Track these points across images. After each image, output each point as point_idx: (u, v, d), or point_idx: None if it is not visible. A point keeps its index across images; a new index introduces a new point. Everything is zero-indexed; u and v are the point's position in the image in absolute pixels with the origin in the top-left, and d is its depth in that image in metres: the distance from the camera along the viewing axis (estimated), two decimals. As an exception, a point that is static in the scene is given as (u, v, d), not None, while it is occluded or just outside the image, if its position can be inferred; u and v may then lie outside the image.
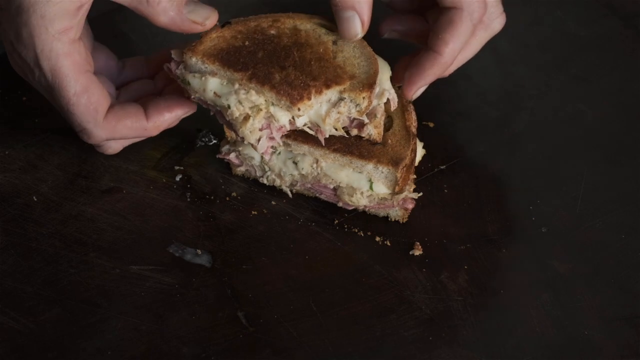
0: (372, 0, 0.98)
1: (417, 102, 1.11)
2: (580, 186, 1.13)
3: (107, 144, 1.06)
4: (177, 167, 1.14)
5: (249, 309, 1.00)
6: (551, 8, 1.37)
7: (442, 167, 1.15)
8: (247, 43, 0.99)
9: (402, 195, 1.06)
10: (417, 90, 1.02)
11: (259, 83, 0.97)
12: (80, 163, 1.13)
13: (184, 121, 1.17)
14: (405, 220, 1.09)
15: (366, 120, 0.99)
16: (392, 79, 1.03)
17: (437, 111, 1.21)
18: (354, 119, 1.00)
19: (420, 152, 1.13)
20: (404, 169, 1.04)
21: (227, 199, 1.11)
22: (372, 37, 1.03)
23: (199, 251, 1.05)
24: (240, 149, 1.10)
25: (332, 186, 1.08)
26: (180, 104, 1.03)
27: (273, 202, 1.11)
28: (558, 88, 1.26)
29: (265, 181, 1.12)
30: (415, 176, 1.11)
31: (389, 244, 1.07)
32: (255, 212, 1.10)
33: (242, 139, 0.99)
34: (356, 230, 1.08)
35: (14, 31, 0.96)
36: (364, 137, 1.02)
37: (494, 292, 1.02)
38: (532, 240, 1.07)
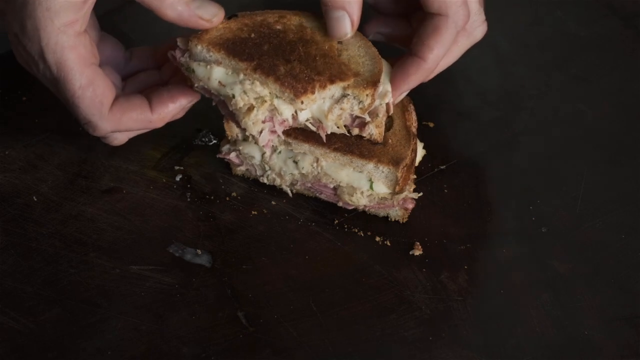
0: (362, 0, 0.98)
1: (417, 102, 1.11)
2: (580, 186, 1.13)
3: (113, 136, 1.05)
4: (177, 167, 1.14)
5: (249, 309, 1.00)
6: (551, 8, 1.37)
7: (442, 167, 1.15)
8: (252, 35, 1.00)
9: (402, 195, 1.06)
10: (401, 95, 1.03)
11: (264, 74, 0.97)
12: (80, 163, 1.14)
13: (184, 121, 1.17)
14: (405, 220, 1.09)
15: (368, 119, 1.00)
16: None
17: (437, 111, 1.21)
18: (356, 117, 1.00)
19: (420, 152, 1.13)
20: (405, 168, 1.05)
21: (227, 199, 1.11)
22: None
23: (199, 251, 1.05)
24: (240, 148, 1.10)
25: (332, 185, 1.09)
26: (183, 93, 1.03)
27: (273, 202, 1.11)
28: (558, 88, 1.26)
29: (265, 180, 1.12)
30: (415, 176, 1.11)
31: (389, 244, 1.07)
32: (255, 212, 1.10)
33: (244, 130, 0.98)
34: (356, 230, 1.08)
35: (18, 23, 0.95)
36: (365, 137, 1.02)
37: (494, 292, 1.02)
38: (532, 240, 1.07)
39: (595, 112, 1.22)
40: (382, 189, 1.06)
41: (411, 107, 1.10)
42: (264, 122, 0.98)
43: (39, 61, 0.96)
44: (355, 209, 1.10)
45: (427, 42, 1.00)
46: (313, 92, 0.96)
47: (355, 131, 1.01)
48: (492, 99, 1.24)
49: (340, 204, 1.09)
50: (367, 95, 0.97)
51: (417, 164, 1.12)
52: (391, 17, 1.07)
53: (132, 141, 1.15)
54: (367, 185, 1.06)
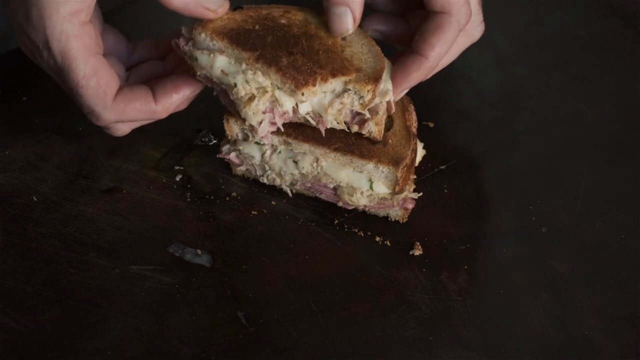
0: None
1: (417, 102, 1.11)
2: (580, 186, 1.13)
3: (116, 126, 1.05)
4: (177, 167, 1.14)
5: (249, 309, 1.00)
6: (551, 8, 1.37)
7: (442, 167, 1.15)
8: (257, 27, 1.00)
9: (402, 195, 1.06)
10: (401, 92, 1.03)
11: (266, 64, 0.97)
12: (80, 163, 1.14)
13: (184, 121, 1.17)
14: (405, 220, 1.09)
15: (368, 116, 1.00)
16: None
17: (437, 111, 1.21)
18: (356, 113, 1.00)
19: (420, 152, 1.13)
20: (405, 168, 1.05)
21: (227, 199, 1.11)
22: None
23: (199, 251, 1.05)
24: (240, 148, 1.10)
25: (332, 185, 1.09)
26: (186, 83, 1.02)
27: (273, 202, 1.11)
28: (558, 88, 1.26)
29: (265, 180, 1.12)
30: (415, 176, 1.11)
31: (389, 244, 1.07)
32: (255, 212, 1.10)
33: (244, 120, 0.98)
34: (356, 230, 1.08)
35: (23, 12, 0.95)
36: (364, 134, 1.02)
37: (494, 292, 1.02)
38: (532, 240, 1.07)
39: (595, 112, 1.22)
40: (382, 189, 1.06)
41: (411, 107, 1.10)
42: (264, 112, 0.98)
43: (44, 50, 0.96)
44: (355, 209, 1.10)
45: (430, 40, 1.00)
46: (314, 85, 0.97)
47: (355, 128, 1.01)
48: (492, 99, 1.24)
49: (340, 204, 1.09)
50: (368, 90, 0.97)
51: (417, 164, 1.12)
52: (388, 15, 1.08)
53: (132, 141, 1.16)
54: (367, 185, 1.06)
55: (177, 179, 1.13)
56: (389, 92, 1.01)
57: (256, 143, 1.09)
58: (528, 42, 1.32)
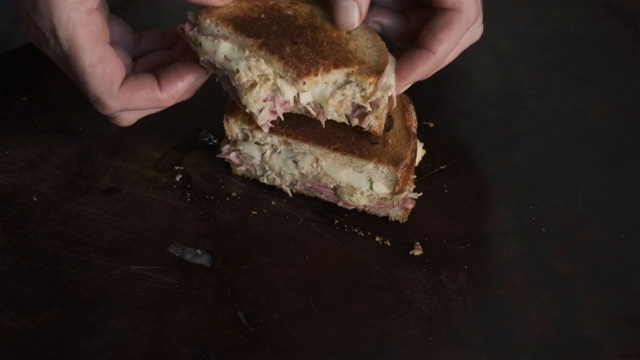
0: None
1: (417, 102, 1.11)
2: (580, 186, 1.13)
3: (121, 116, 1.04)
4: (177, 167, 1.14)
5: (249, 309, 1.00)
6: (551, 8, 1.37)
7: (442, 167, 1.15)
8: (262, 16, 1.00)
9: (402, 195, 1.06)
10: (405, 86, 1.03)
11: (269, 52, 0.97)
12: (80, 163, 1.14)
13: (184, 121, 1.17)
14: (405, 220, 1.09)
15: (369, 109, 0.99)
16: None
17: (437, 111, 1.21)
18: (357, 106, 0.99)
19: (420, 152, 1.13)
20: (405, 168, 1.04)
21: (227, 199, 1.11)
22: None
23: (199, 251, 1.05)
24: (240, 148, 1.10)
25: (332, 185, 1.09)
26: (191, 71, 1.02)
27: (273, 202, 1.11)
28: (558, 88, 1.26)
29: (265, 180, 1.12)
30: (415, 176, 1.11)
31: (389, 244, 1.07)
32: (255, 212, 1.10)
33: (245, 106, 0.98)
34: (356, 230, 1.08)
35: (30, 0, 0.95)
36: (364, 128, 1.01)
37: (494, 292, 1.02)
38: (532, 240, 1.07)
39: (595, 112, 1.22)
40: (382, 189, 1.06)
41: (411, 107, 1.10)
42: (265, 100, 0.98)
43: (50, 38, 0.96)
44: (355, 209, 1.10)
45: (439, 36, 1.00)
46: (316, 75, 0.96)
47: (355, 121, 1.01)
48: (492, 99, 1.24)
49: (340, 204, 1.09)
50: (370, 83, 0.97)
51: (417, 164, 1.12)
52: (389, 10, 1.08)
53: (132, 141, 1.16)
54: (367, 185, 1.06)
55: (177, 179, 1.13)
56: (392, 87, 1.01)
57: (256, 143, 1.09)
58: (528, 42, 1.32)
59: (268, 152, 1.09)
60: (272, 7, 1.01)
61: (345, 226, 1.08)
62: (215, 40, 0.98)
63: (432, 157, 1.15)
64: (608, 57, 1.30)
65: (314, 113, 1.00)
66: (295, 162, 1.08)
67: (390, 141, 1.06)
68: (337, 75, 0.98)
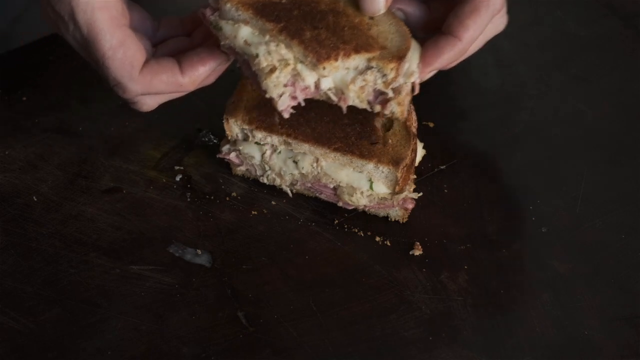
0: None
1: (417, 102, 1.11)
2: (580, 186, 1.13)
3: (142, 100, 1.03)
4: (177, 167, 1.14)
5: (249, 309, 1.00)
6: (551, 8, 1.37)
7: (442, 167, 1.15)
8: (283, 0, 0.99)
9: (402, 195, 1.06)
10: (430, 71, 1.02)
11: (289, 36, 0.95)
12: (80, 163, 1.14)
13: (184, 121, 1.17)
14: (405, 220, 1.09)
15: (390, 95, 0.97)
16: None
17: (437, 111, 1.21)
18: (379, 92, 0.98)
19: (420, 152, 1.13)
20: (405, 168, 1.05)
21: (227, 199, 1.11)
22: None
23: (199, 251, 1.05)
24: (240, 148, 1.10)
25: (332, 186, 1.09)
26: (212, 56, 1.01)
27: (273, 202, 1.11)
28: (558, 88, 1.26)
29: (265, 180, 1.12)
30: (415, 176, 1.11)
31: (389, 244, 1.07)
32: (255, 212, 1.10)
33: (265, 91, 0.97)
34: (356, 230, 1.08)
35: None
36: (386, 114, 1.00)
37: (494, 292, 1.02)
38: (532, 240, 1.07)
39: (595, 112, 1.22)
40: (382, 189, 1.06)
41: (411, 107, 1.10)
42: (285, 85, 0.96)
43: (69, 22, 0.96)
44: (355, 209, 1.10)
45: (465, 22, 1.00)
46: (336, 60, 0.95)
47: (377, 108, 0.99)
48: (492, 99, 1.24)
49: (340, 204, 1.09)
50: (391, 69, 0.95)
51: (417, 164, 1.12)
52: None
53: (132, 141, 1.16)
54: (367, 185, 1.06)
55: (177, 179, 1.13)
56: (415, 74, 0.99)
57: (256, 143, 1.09)
58: (528, 42, 1.32)
59: (268, 152, 1.09)
60: None
61: (345, 226, 1.08)
62: (236, 25, 0.97)
63: (432, 157, 1.15)
64: (608, 57, 1.30)
65: (335, 99, 0.99)
66: (295, 162, 1.08)
67: (390, 141, 1.06)
68: (358, 60, 0.96)
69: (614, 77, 1.27)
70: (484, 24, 1.01)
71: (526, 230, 1.08)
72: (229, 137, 1.10)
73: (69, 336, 0.97)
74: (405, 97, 0.99)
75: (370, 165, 1.04)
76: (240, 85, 1.11)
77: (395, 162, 1.04)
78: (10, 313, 0.99)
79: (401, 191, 1.06)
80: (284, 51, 0.95)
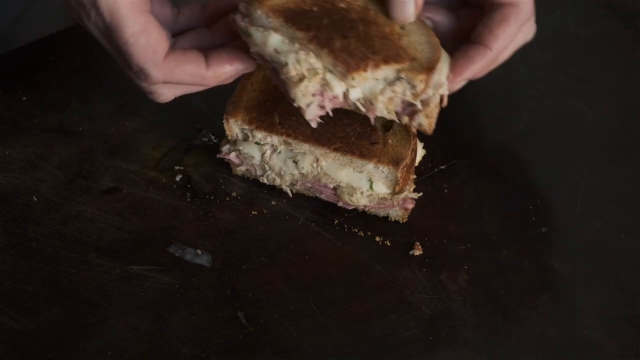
0: None
1: (417, 102, 1.11)
2: (580, 186, 1.13)
3: (160, 90, 1.02)
4: (177, 167, 1.14)
5: (249, 309, 1.00)
6: (551, 8, 1.36)
7: (442, 167, 1.15)
8: (315, 9, 0.98)
9: (402, 195, 1.06)
10: (461, 81, 1.02)
11: (319, 45, 0.94)
12: (80, 163, 1.13)
13: (184, 121, 1.17)
14: (405, 220, 1.09)
15: (419, 107, 0.97)
16: None
17: (437, 111, 1.21)
18: (408, 103, 0.97)
19: (420, 152, 1.13)
20: (405, 168, 1.05)
21: (227, 199, 1.11)
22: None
23: (199, 251, 1.05)
24: (240, 148, 1.10)
25: (332, 185, 1.09)
26: (241, 58, 1.00)
27: (273, 202, 1.11)
28: (558, 88, 1.25)
29: (265, 180, 1.12)
30: (415, 176, 1.11)
31: (389, 244, 1.07)
32: (255, 212, 1.10)
33: (293, 100, 0.97)
34: (356, 230, 1.08)
35: None
36: (413, 127, 0.99)
37: (494, 292, 1.02)
38: (532, 240, 1.07)
39: (595, 112, 1.22)
40: (382, 189, 1.06)
41: (411, 107, 1.10)
42: (313, 95, 0.96)
43: (91, 10, 0.95)
44: (355, 209, 1.10)
45: (495, 32, 1.00)
46: (365, 70, 0.94)
47: (405, 119, 0.99)
48: (492, 99, 1.24)
49: (340, 204, 1.09)
50: (420, 80, 0.95)
51: (417, 164, 1.12)
52: (440, 8, 1.07)
53: (132, 141, 1.16)
54: (367, 185, 1.06)
55: (177, 179, 1.13)
56: (444, 85, 0.98)
57: (256, 143, 1.09)
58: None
59: (268, 152, 1.09)
60: (325, 0, 0.99)
61: (345, 226, 1.08)
62: (266, 32, 0.97)
63: (432, 157, 1.15)
64: (608, 57, 1.30)
65: (363, 109, 0.98)
66: (295, 162, 1.08)
67: (390, 141, 1.06)
68: (387, 71, 0.95)
69: (614, 77, 1.27)
70: (514, 33, 1.01)
71: (526, 230, 1.08)
72: (229, 137, 1.10)
73: (69, 336, 0.97)
74: (434, 109, 0.98)
75: (370, 165, 1.04)
76: (240, 85, 1.11)
77: (395, 162, 1.04)
78: (10, 313, 0.99)
79: (401, 191, 1.06)
80: (313, 60, 0.95)
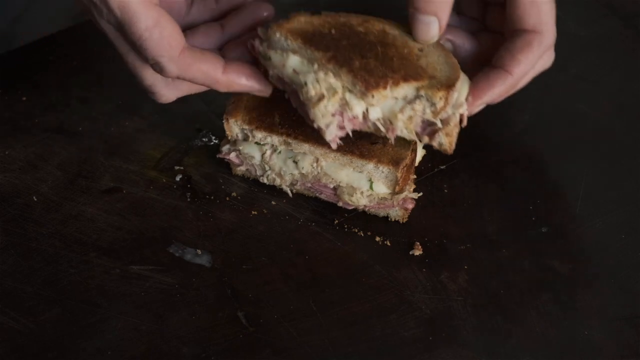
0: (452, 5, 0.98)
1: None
2: (580, 186, 1.13)
3: (163, 91, 1.02)
4: (177, 167, 1.14)
5: (249, 309, 1.00)
6: (551, 8, 1.36)
7: (442, 167, 1.15)
8: (333, 31, 0.98)
9: (402, 195, 1.07)
10: (480, 105, 1.02)
11: (338, 65, 0.95)
12: (80, 163, 1.14)
13: (184, 121, 1.17)
14: (405, 220, 1.09)
15: (439, 125, 0.97)
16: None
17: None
18: (428, 123, 0.98)
19: (420, 152, 1.13)
20: (404, 168, 1.05)
21: (227, 199, 1.11)
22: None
23: (199, 251, 1.05)
24: (240, 148, 1.10)
25: (332, 185, 1.09)
26: (260, 78, 1.01)
27: (273, 202, 1.11)
28: (558, 88, 1.26)
29: (265, 180, 1.12)
30: (415, 176, 1.11)
31: (389, 244, 1.07)
32: (255, 212, 1.10)
33: (312, 121, 0.97)
34: (356, 230, 1.08)
35: None
36: (434, 146, 0.99)
37: (494, 292, 1.02)
38: (532, 240, 1.07)
39: (595, 112, 1.22)
40: (382, 189, 1.06)
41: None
42: (333, 115, 0.96)
43: (102, 6, 0.95)
44: (355, 209, 1.10)
45: (517, 57, 1.01)
46: (385, 88, 0.94)
47: (425, 139, 0.99)
48: (492, 99, 1.24)
49: (340, 204, 1.09)
50: (440, 97, 0.95)
51: (417, 164, 1.12)
52: (460, 30, 1.07)
53: (132, 141, 1.16)
54: (367, 185, 1.06)
55: (177, 179, 1.13)
56: (463, 105, 0.99)
57: (256, 143, 1.09)
58: (528, 42, 1.32)
59: (268, 152, 1.09)
60: (344, 23, 1.00)
61: (345, 226, 1.08)
62: (284, 54, 0.97)
63: (432, 157, 1.15)
64: (608, 57, 1.30)
65: (383, 129, 0.98)
66: (295, 162, 1.08)
67: (390, 141, 1.06)
68: (407, 89, 0.95)
69: (614, 77, 1.27)
70: (535, 59, 1.02)
71: (526, 230, 1.08)
72: (229, 137, 1.10)
73: (69, 336, 0.97)
74: (454, 129, 0.99)
75: (370, 165, 1.04)
76: (240, 85, 1.11)
77: (395, 162, 1.04)
78: (10, 313, 0.99)
79: (401, 191, 1.06)
80: (332, 80, 0.95)
